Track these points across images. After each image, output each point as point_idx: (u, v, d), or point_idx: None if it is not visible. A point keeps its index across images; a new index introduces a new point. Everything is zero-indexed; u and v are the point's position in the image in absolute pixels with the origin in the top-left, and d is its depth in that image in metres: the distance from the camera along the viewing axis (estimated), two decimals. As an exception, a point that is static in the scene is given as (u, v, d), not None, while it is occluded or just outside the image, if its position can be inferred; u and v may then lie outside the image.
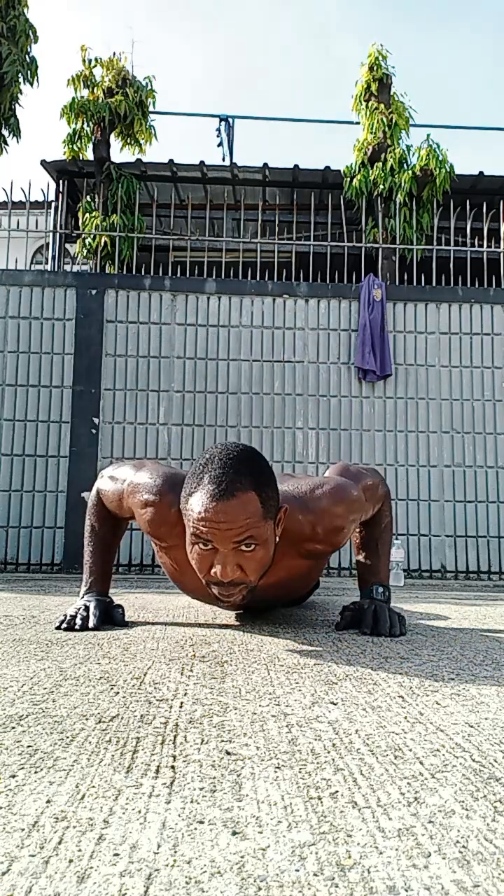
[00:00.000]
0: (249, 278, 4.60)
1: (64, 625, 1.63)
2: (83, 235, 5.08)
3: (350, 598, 2.60)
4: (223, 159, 6.02)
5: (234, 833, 0.56)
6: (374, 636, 1.59)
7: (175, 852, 0.52)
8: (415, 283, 4.67)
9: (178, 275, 4.62)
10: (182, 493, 1.41)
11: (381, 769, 0.71)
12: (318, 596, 2.67)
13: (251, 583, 1.39)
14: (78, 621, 1.62)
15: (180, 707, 0.94)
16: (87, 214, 5.16)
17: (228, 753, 0.76)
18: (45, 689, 1.03)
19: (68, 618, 1.65)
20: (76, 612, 1.66)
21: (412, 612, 2.24)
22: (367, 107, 5.27)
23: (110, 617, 1.69)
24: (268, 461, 1.45)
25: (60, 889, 0.47)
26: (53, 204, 5.01)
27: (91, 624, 1.61)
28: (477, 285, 4.67)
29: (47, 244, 5.50)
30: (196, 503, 1.33)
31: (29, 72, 4.63)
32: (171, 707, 0.94)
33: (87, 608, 1.67)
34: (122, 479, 1.66)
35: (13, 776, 0.68)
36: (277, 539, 1.44)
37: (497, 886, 0.48)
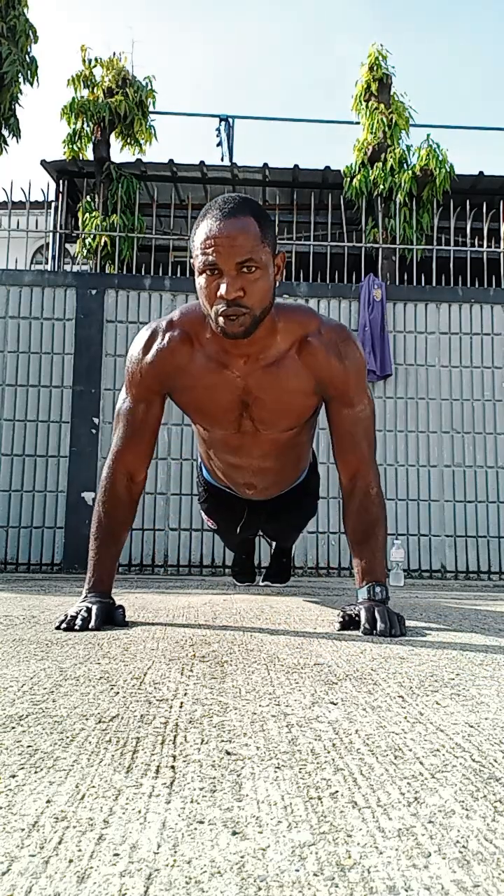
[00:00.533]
0: (249, 278, 4.60)
1: (64, 625, 1.63)
2: (83, 235, 5.08)
3: (350, 598, 2.60)
4: (222, 159, 6.02)
5: (234, 833, 0.56)
6: (373, 636, 1.59)
7: (175, 852, 0.52)
8: (415, 283, 4.68)
9: (178, 275, 4.62)
10: (190, 238, 1.54)
11: (381, 769, 0.71)
12: (318, 596, 2.67)
13: (253, 308, 1.50)
14: (78, 622, 1.62)
15: (180, 707, 0.94)
16: (87, 214, 5.16)
17: (228, 753, 0.76)
18: (45, 689, 1.03)
19: (68, 618, 1.65)
20: (77, 613, 1.66)
21: (412, 612, 2.24)
22: (367, 107, 5.27)
23: (111, 618, 1.69)
24: None
25: (60, 889, 0.47)
26: (53, 204, 5.01)
27: (92, 625, 1.61)
28: (477, 285, 4.67)
29: (47, 244, 5.51)
30: (202, 229, 1.48)
31: (29, 72, 4.63)
32: (171, 707, 0.94)
33: (88, 609, 1.67)
34: (126, 379, 1.75)
35: (13, 776, 0.68)
36: (277, 284, 1.57)
37: (497, 886, 0.48)
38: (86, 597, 1.72)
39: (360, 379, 1.68)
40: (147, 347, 1.68)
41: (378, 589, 1.70)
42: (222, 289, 1.46)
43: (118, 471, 1.74)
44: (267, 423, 1.77)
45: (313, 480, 2.36)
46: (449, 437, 4.42)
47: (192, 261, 1.53)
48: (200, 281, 1.50)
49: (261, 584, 3.17)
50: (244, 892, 0.47)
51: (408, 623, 1.88)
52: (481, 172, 5.46)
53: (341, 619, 1.69)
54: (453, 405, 4.45)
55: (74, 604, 1.77)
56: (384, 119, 5.15)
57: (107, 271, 5.01)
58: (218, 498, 2.29)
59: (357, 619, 1.67)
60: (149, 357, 1.68)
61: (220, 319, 1.50)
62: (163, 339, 1.67)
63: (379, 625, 1.60)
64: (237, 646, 1.43)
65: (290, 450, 1.92)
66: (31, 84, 4.68)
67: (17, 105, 4.68)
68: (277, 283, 1.57)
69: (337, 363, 1.65)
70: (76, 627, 1.61)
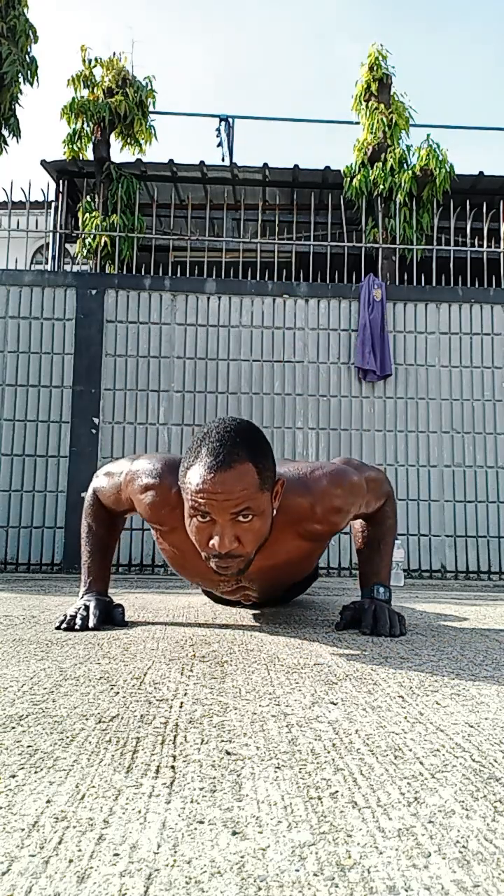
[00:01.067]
0: (249, 278, 4.60)
1: (64, 625, 1.63)
2: (83, 235, 5.08)
3: (350, 598, 2.60)
4: (223, 159, 6.02)
5: (234, 833, 0.56)
6: (373, 636, 1.59)
7: (175, 852, 0.52)
8: (415, 283, 4.67)
9: (178, 275, 4.62)
10: (180, 469, 1.41)
11: (381, 769, 0.71)
12: (317, 596, 2.67)
13: (248, 554, 1.41)
14: (78, 621, 1.62)
15: (180, 707, 0.94)
16: (87, 214, 5.16)
17: (228, 753, 0.76)
18: (45, 689, 1.03)
19: (68, 618, 1.64)
20: (76, 612, 1.66)
21: (412, 611, 2.24)
22: (367, 107, 5.27)
23: (110, 617, 1.69)
24: (265, 435, 1.48)
25: (60, 889, 0.47)
26: (53, 204, 5.01)
27: (91, 624, 1.61)
28: (477, 285, 4.67)
29: (47, 244, 5.51)
30: (194, 475, 1.35)
31: (29, 72, 4.63)
32: (171, 707, 0.94)
33: (86, 608, 1.66)
34: (119, 472, 1.68)
35: (13, 776, 0.68)
36: (275, 512, 1.46)
37: (497, 886, 0.48)
38: (83, 597, 1.72)
39: (356, 502, 1.60)
40: (144, 489, 1.58)
41: (381, 589, 1.70)
42: (215, 540, 1.36)
43: (101, 504, 1.76)
44: (266, 593, 1.78)
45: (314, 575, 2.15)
46: (449, 437, 4.42)
47: (184, 494, 1.40)
48: (192, 522, 1.39)
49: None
50: (244, 892, 0.47)
51: (408, 623, 1.87)
52: (481, 172, 5.46)
53: (341, 619, 1.68)
54: (453, 405, 4.45)
55: (73, 604, 1.75)
56: (384, 119, 5.15)
57: (107, 271, 5.01)
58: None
59: (358, 618, 1.66)
60: (145, 499, 1.58)
61: (212, 564, 1.41)
62: (157, 495, 1.55)
63: (379, 625, 1.59)
64: (237, 646, 1.43)
65: (291, 570, 1.75)
66: (31, 84, 4.68)
67: (17, 105, 4.68)
68: (275, 509, 1.46)
69: (338, 523, 1.57)
70: (76, 627, 1.61)
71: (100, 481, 1.75)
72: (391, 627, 1.59)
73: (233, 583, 1.61)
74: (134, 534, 4.22)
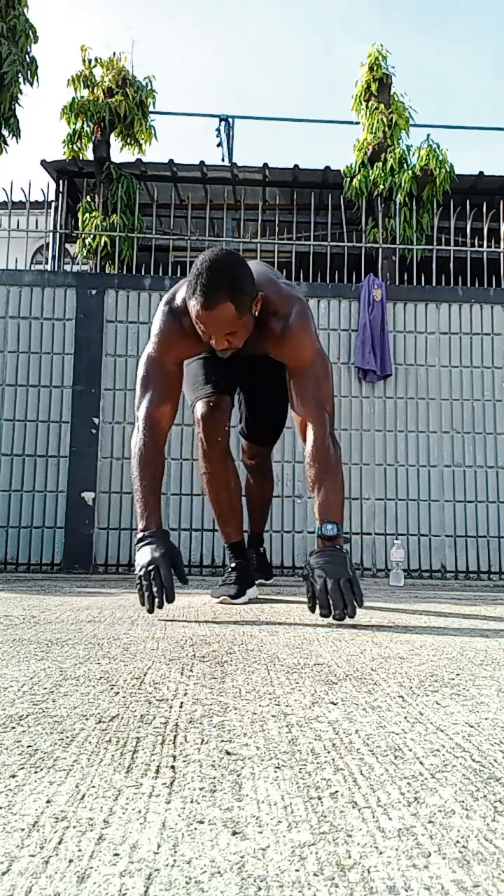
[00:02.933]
0: (249, 278, 4.59)
1: (146, 605, 1.76)
2: (83, 235, 5.08)
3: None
4: (222, 159, 6.02)
5: (234, 833, 0.56)
6: (332, 620, 1.69)
7: (175, 852, 0.52)
8: (415, 283, 4.67)
9: (178, 275, 4.62)
10: (186, 292, 1.88)
11: (381, 769, 0.71)
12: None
13: (238, 345, 1.93)
14: (154, 590, 1.76)
15: (180, 707, 0.94)
16: (87, 214, 5.16)
17: (228, 753, 0.76)
18: (45, 689, 1.03)
19: (145, 595, 1.77)
20: (149, 578, 1.78)
21: (412, 611, 2.24)
22: (367, 107, 5.27)
23: (177, 568, 1.85)
24: (246, 263, 1.90)
25: (60, 889, 0.47)
26: (53, 204, 5.01)
27: (167, 600, 1.76)
28: (477, 285, 4.67)
29: (47, 244, 5.50)
30: (192, 309, 1.85)
31: (29, 72, 4.63)
32: (171, 707, 0.94)
33: (157, 570, 1.78)
34: (149, 352, 2.11)
35: (13, 776, 0.68)
36: (256, 313, 1.96)
37: (497, 886, 0.48)
38: (144, 539, 1.89)
39: (304, 342, 2.09)
40: (166, 327, 2.07)
41: (329, 526, 1.94)
42: (213, 341, 1.90)
43: (149, 419, 2.03)
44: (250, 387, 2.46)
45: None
46: (449, 437, 4.42)
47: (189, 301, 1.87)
48: (197, 327, 1.89)
49: (257, 584, 2.88)
50: (244, 892, 0.47)
51: (407, 622, 1.87)
52: (481, 172, 5.46)
53: (310, 604, 1.79)
54: (453, 405, 4.44)
55: (141, 553, 1.87)
56: (384, 119, 5.15)
57: (107, 271, 5.00)
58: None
59: (314, 603, 1.76)
60: (167, 334, 2.06)
61: (214, 347, 1.93)
62: (177, 323, 2.05)
63: (334, 608, 1.68)
64: (237, 646, 1.43)
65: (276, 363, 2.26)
66: (31, 84, 4.68)
67: (17, 105, 4.68)
68: (256, 311, 1.95)
69: (293, 341, 2.07)
70: (155, 600, 1.76)
71: (144, 370, 2.09)
72: (344, 608, 1.68)
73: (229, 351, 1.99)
74: (134, 534, 4.21)
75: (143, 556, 1.85)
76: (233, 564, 2.46)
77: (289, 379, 2.13)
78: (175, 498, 4.26)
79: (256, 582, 2.76)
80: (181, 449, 4.31)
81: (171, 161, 5.36)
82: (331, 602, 1.70)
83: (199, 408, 2.34)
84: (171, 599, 1.77)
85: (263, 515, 3.09)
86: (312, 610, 1.77)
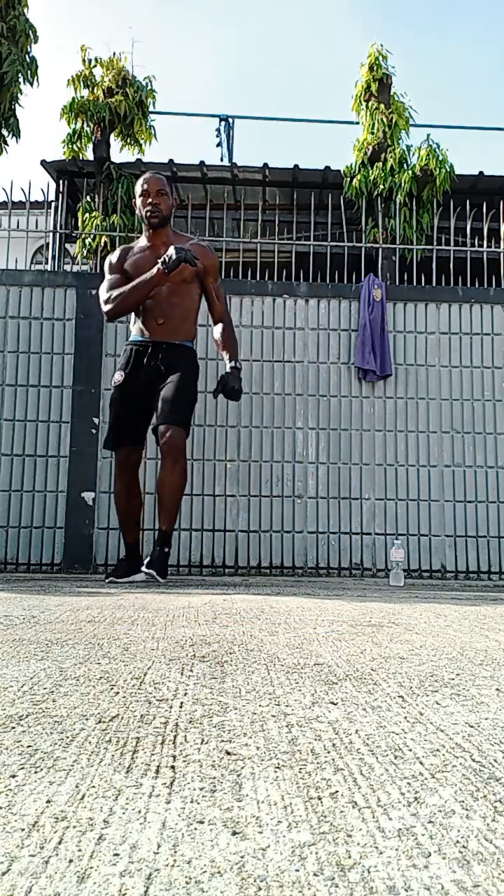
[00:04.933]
0: (249, 278, 4.60)
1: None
2: (83, 235, 5.08)
3: (348, 597, 2.60)
4: (222, 159, 6.02)
5: (234, 833, 0.56)
6: (227, 398, 3.30)
7: (175, 852, 0.52)
8: (415, 283, 4.67)
9: (178, 275, 4.61)
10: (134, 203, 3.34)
11: (381, 769, 0.71)
12: (317, 596, 2.67)
13: (163, 211, 3.20)
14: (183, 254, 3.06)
15: (180, 707, 0.94)
16: (87, 214, 5.15)
17: (228, 753, 0.76)
18: (45, 689, 1.03)
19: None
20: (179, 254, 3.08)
21: (412, 611, 2.24)
22: (367, 107, 5.27)
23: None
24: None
25: (60, 889, 0.47)
26: (53, 204, 5.01)
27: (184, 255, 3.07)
28: (477, 285, 4.67)
29: (47, 244, 5.50)
30: (138, 188, 3.22)
31: (29, 72, 4.63)
32: (171, 707, 0.94)
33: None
34: (106, 273, 3.33)
35: (13, 776, 0.68)
36: (172, 212, 3.27)
37: (497, 886, 0.48)
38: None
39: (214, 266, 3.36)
40: (113, 255, 3.36)
41: (234, 363, 3.33)
42: (149, 201, 3.18)
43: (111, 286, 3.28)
44: (172, 278, 3.15)
45: (194, 366, 3.31)
46: (449, 437, 4.42)
47: (137, 202, 3.25)
48: (139, 204, 3.23)
49: (143, 570, 3.11)
50: (244, 892, 0.47)
51: (407, 622, 1.88)
52: (481, 172, 5.46)
53: (217, 388, 3.28)
54: (453, 405, 4.45)
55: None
56: (384, 119, 5.14)
57: (107, 271, 5.00)
58: (134, 357, 3.27)
59: (224, 386, 3.27)
60: (119, 257, 3.31)
61: (147, 212, 3.19)
62: (122, 251, 3.36)
63: (235, 392, 3.26)
64: (237, 646, 1.43)
65: (185, 298, 3.26)
66: (31, 84, 4.68)
67: (17, 105, 4.67)
68: (172, 208, 3.28)
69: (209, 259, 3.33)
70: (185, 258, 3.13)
71: (105, 288, 3.28)
72: (238, 393, 3.27)
73: (160, 245, 3.21)
74: (134, 534, 4.22)
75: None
76: (124, 556, 3.36)
77: (205, 288, 3.34)
78: (175, 498, 4.26)
79: (147, 571, 3.13)
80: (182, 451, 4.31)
81: (171, 161, 5.36)
82: (237, 391, 3.27)
83: (116, 451, 3.30)
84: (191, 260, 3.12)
85: (170, 508, 3.18)
86: (217, 394, 3.30)
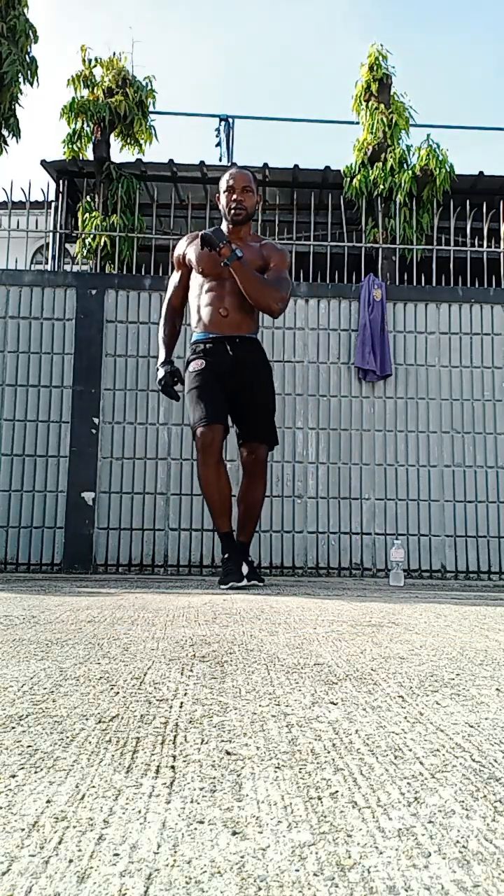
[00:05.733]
0: (249, 278, 4.59)
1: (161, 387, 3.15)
2: (83, 235, 5.07)
3: (348, 597, 2.60)
4: (222, 159, 6.02)
5: (234, 833, 0.56)
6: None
7: (175, 852, 0.53)
8: (415, 283, 4.67)
9: (178, 275, 4.61)
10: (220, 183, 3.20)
11: (381, 769, 0.71)
12: (317, 596, 2.67)
13: (247, 209, 3.11)
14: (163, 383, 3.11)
15: (180, 707, 0.94)
16: (87, 214, 5.15)
17: (228, 753, 0.76)
18: (45, 689, 1.03)
19: (163, 385, 3.13)
20: (162, 385, 3.14)
21: (412, 611, 2.24)
22: (367, 107, 5.27)
23: (176, 374, 3.15)
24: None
25: (60, 889, 0.47)
26: (53, 204, 5.01)
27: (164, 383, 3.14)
28: (477, 285, 4.67)
29: (47, 244, 5.50)
30: (223, 182, 3.13)
31: (29, 72, 4.63)
32: (171, 707, 0.94)
33: (162, 382, 3.12)
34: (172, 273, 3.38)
35: (13, 776, 0.68)
36: (255, 210, 3.19)
37: (497, 886, 0.48)
38: (161, 366, 3.19)
39: (283, 268, 3.14)
40: (180, 246, 3.29)
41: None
42: (234, 197, 3.09)
43: (168, 302, 3.33)
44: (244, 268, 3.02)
45: (270, 368, 3.28)
46: (449, 437, 4.42)
47: (220, 195, 3.17)
48: (222, 199, 3.15)
49: (246, 582, 3.02)
50: (244, 892, 0.47)
51: (407, 622, 1.88)
52: (481, 172, 5.45)
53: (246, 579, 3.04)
54: (453, 405, 4.45)
55: (159, 373, 3.17)
56: (384, 119, 5.14)
57: (107, 271, 5.00)
58: (207, 356, 3.10)
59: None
60: (184, 250, 3.24)
61: (231, 211, 3.10)
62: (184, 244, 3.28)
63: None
64: (237, 646, 1.43)
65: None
66: (31, 84, 4.68)
67: (17, 105, 4.67)
68: (257, 204, 3.22)
69: (276, 260, 3.14)
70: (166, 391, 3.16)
71: (171, 284, 3.34)
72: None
73: (236, 240, 3.09)
74: (134, 534, 4.22)
75: (160, 374, 3.17)
76: (225, 555, 3.08)
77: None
78: (175, 498, 4.27)
79: (249, 582, 3.07)
80: (181, 449, 4.32)
81: (171, 161, 5.36)
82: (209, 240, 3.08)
83: (198, 430, 3.01)
84: (174, 397, 3.20)
85: (253, 522, 3.23)
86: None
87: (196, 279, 3.18)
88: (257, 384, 3.15)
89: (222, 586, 2.94)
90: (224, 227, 3.15)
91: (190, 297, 3.25)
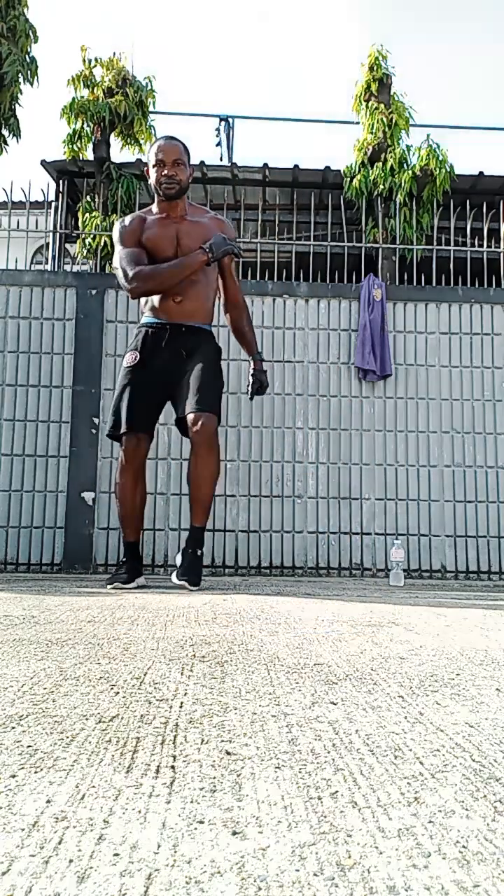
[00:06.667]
0: (249, 278, 4.60)
1: None
2: (83, 235, 5.08)
3: (348, 597, 2.60)
4: (222, 159, 6.02)
5: (234, 833, 0.56)
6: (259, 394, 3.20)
7: (175, 852, 0.52)
8: (415, 283, 4.67)
9: (178, 275, 4.61)
10: (147, 154, 3.06)
11: (381, 769, 0.71)
12: (317, 596, 2.67)
13: (180, 182, 2.95)
14: None
15: (180, 707, 0.94)
16: (87, 214, 5.15)
17: (228, 753, 0.76)
18: (45, 689, 1.03)
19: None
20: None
21: (412, 611, 2.24)
22: (367, 107, 5.27)
23: None
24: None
25: (60, 889, 0.47)
26: (53, 204, 5.01)
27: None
28: (477, 285, 4.67)
29: (47, 244, 5.50)
30: (153, 155, 2.93)
31: (29, 72, 4.63)
32: (171, 707, 0.94)
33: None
34: (118, 241, 3.00)
35: (13, 776, 0.68)
36: (189, 182, 3.02)
37: (497, 886, 0.48)
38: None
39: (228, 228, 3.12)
40: (125, 227, 3.00)
41: (259, 355, 3.21)
42: (165, 169, 2.92)
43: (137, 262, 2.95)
44: (189, 249, 2.91)
45: (218, 351, 3.11)
46: (449, 437, 4.41)
47: (150, 170, 2.97)
48: (153, 173, 2.95)
49: (175, 580, 2.87)
50: (244, 892, 0.47)
51: (407, 622, 1.88)
52: (481, 172, 5.46)
53: (253, 387, 3.18)
54: (453, 405, 4.44)
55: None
56: (384, 119, 5.15)
57: (107, 271, 5.00)
58: (151, 339, 2.98)
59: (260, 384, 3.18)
60: (133, 227, 2.99)
61: (162, 188, 2.93)
62: (134, 220, 3.02)
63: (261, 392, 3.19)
64: (237, 646, 1.43)
65: (204, 277, 2.98)
66: (31, 84, 4.68)
67: (17, 105, 4.67)
68: (189, 179, 3.03)
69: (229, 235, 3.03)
70: None
71: (125, 260, 2.92)
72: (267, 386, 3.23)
73: (176, 218, 3.00)
74: (134, 534, 4.21)
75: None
76: (123, 559, 3.12)
77: (221, 270, 3.09)
78: (175, 498, 4.27)
79: (179, 582, 2.88)
80: (181, 449, 4.31)
81: (171, 161, 5.34)
82: (266, 386, 3.20)
83: (123, 437, 2.95)
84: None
85: (205, 501, 2.95)
86: (253, 395, 3.20)
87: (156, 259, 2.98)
88: (191, 361, 2.94)
89: (107, 586, 2.93)
90: (155, 202, 3.03)
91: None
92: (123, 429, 2.91)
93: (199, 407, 2.85)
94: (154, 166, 2.92)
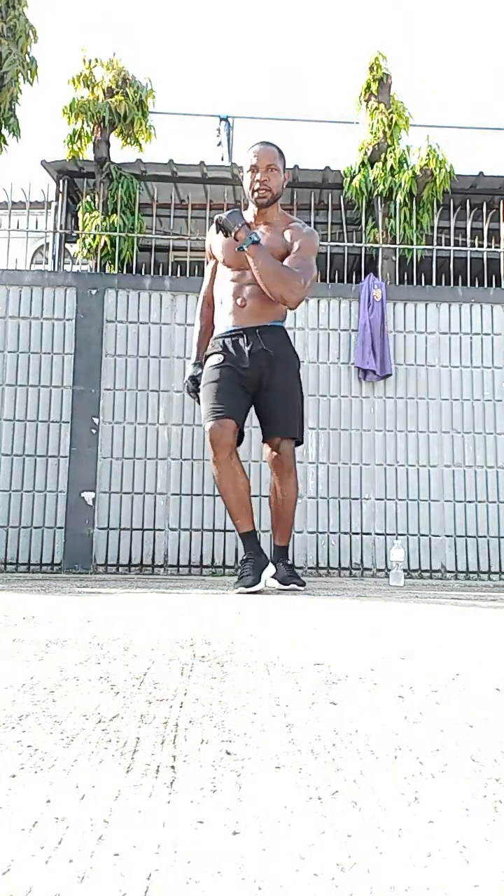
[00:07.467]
0: (249, 278, 4.59)
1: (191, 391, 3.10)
2: (83, 235, 5.07)
3: (348, 597, 2.60)
4: (222, 159, 6.01)
5: (234, 833, 0.56)
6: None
7: (175, 852, 0.52)
8: (415, 283, 4.67)
9: (178, 275, 4.62)
10: (243, 159, 2.98)
11: (381, 769, 0.71)
12: (317, 596, 2.67)
13: (273, 189, 2.83)
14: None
15: (180, 707, 0.94)
16: (87, 214, 5.15)
17: (228, 753, 0.76)
18: (45, 689, 1.03)
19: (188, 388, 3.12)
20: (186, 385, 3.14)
21: (412, 611, 2.24)
22: (367, 107, 5.27)
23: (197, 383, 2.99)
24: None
25: (60, 889, 0.47)
26: (53, 204, 5.01)
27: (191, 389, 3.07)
28: (477, 285, 4.67)
29: (47, 244, 5.50)
30: (247, 159, 2.86)
31: (29, 72, 4.63)
32: (171, 707, 0.94)
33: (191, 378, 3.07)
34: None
35: (13, 776, 0.68)
36: (283, 189, 2.91)
37: (497, 886, 0.48)
38: (194, 365, 3.10)
39: (309, 252, 2.86)
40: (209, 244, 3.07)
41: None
42: (258, 175, 2.83)
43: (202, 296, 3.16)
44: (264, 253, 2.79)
45: (296, 361, 3.02)
46: (449, 437, 4.41)
47: (244, 175, 2.90)
48: (246, 180, 2.89)
49: (281, 586, 2.88)
50: (244, 892, 0.47)
51: (407, 623, 1.88)
52: (481, 172, 5.45)
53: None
54: (453, 405, 4.45)
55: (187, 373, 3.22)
56: (384, 119, 5.14)
57: (107, 271, 5.00)
58: (226, 351, 2.88)
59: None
60: (213, 243, 3.01)
61: (255, 194, 2.85)
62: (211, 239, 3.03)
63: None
64: (237, 646, 1.43)
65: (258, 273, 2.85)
66: (31, 84, 4.68)
67: (17, 105, 4.67)
68: (283, 188, 2.91)
69: (300, 241, 2.84)
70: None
71: (205, 276, 3.16)
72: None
73: (262, 225, 2.88)
74: (134, 534, 4.22)
75: (187, 373, 3.21)
76: (244, 556, 2.83)
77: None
78: (175, 498, 4.27)
79: (288, 587, 2.91)
80: (181, 449, 4.32)
81: (171, 161, 5.35)
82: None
83: (207, 425, 2.84)
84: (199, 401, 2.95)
85: (288, 521, 3.04)
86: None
87: (223, 269, 2.95)
88: (275, 377, 2.89)
89: (234, 590, 2.73)
90: (250, 209, 2.93)
91: (214, 290, 3.04)
92: (209, 419, 2.80)
93: (283, 433, 2.94)
94: (248, 171, 2.84)
